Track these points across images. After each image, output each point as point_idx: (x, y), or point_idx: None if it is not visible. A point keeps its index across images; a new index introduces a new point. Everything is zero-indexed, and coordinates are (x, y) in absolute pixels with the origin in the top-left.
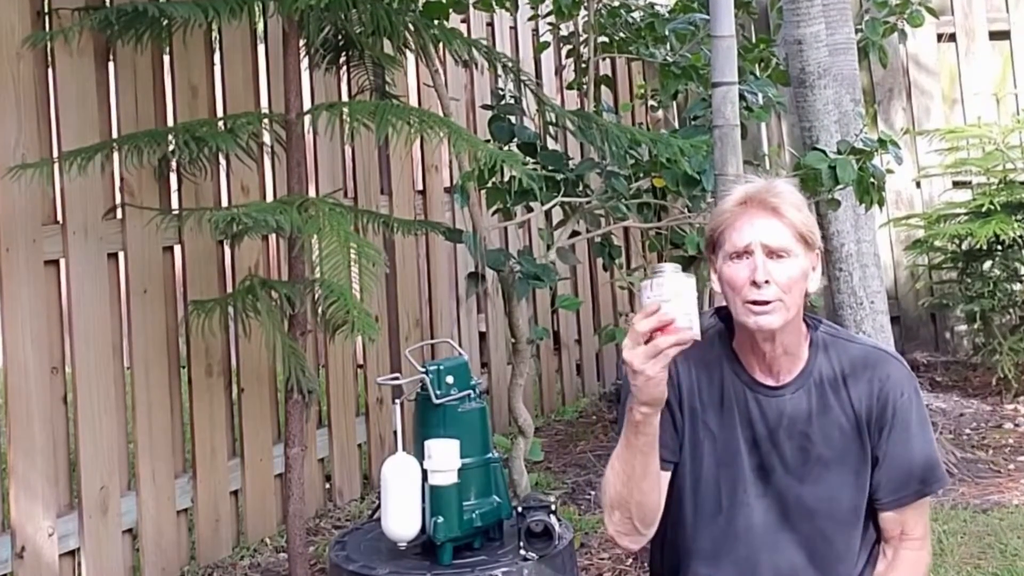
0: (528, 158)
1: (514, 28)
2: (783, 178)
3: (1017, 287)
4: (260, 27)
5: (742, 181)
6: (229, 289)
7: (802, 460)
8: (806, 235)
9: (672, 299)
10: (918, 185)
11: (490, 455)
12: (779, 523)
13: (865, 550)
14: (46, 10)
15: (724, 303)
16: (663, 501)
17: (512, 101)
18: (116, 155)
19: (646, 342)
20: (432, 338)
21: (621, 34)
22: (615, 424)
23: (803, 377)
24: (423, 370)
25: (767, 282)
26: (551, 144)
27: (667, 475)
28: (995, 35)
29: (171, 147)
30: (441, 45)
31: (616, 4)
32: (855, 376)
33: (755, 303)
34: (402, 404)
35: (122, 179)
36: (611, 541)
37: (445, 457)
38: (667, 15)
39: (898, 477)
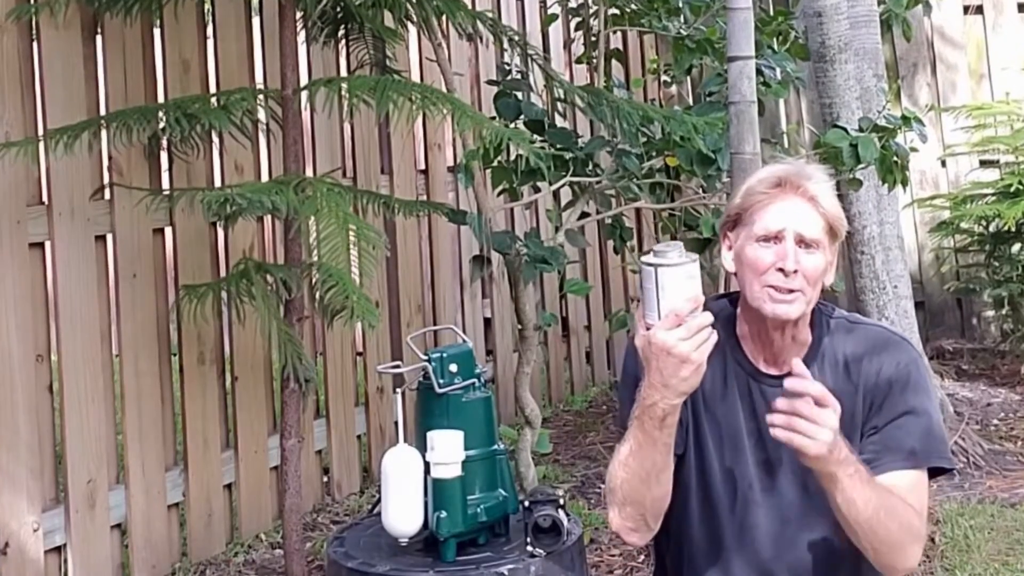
0: (535, 136)
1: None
2: (814, 163)
3: None
4: None
5: (759, 161)
6: (222, 273)
7: None
8: (836, 228)
9: (692, 279)
10: (943, 164)
11: (495, 447)
12: (788, 521)
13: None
14: None
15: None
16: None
17: (519, 76)
18: (104, 133)
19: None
20: (435, 324)
21: (633, 5)
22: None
23: (807, 362)
24: (425, 358)
25: (795, 271)
26: (559, 121)
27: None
28: None
29: (162, 125)
30: (444, 17)
31: None
32: (858, 361)
33: (777, 289)
34: (403, 393)
35: (110, 158)
36: (616, 535)
37: (448, 449)
38: None
39: (893, 440)
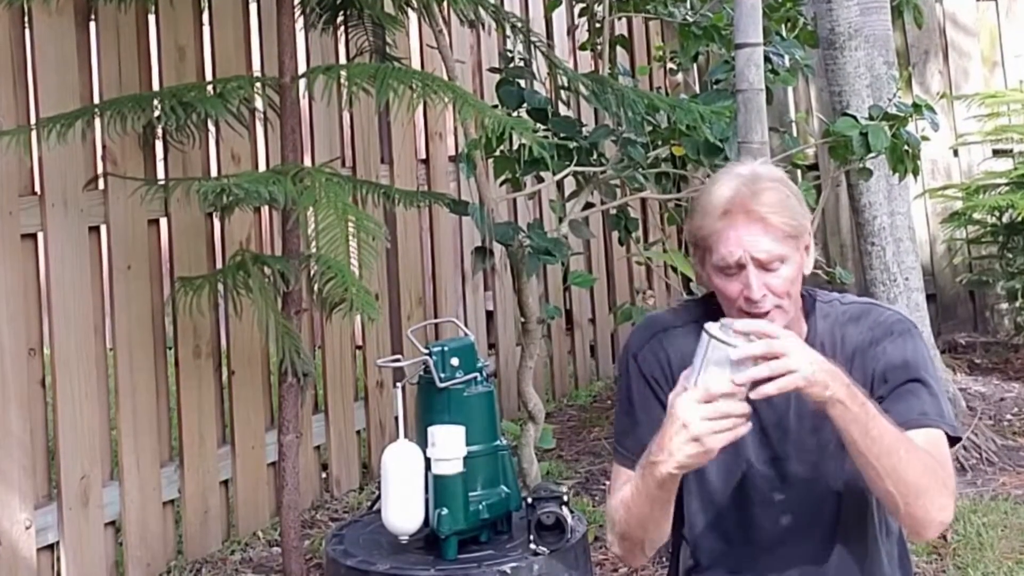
0: (539, 125)
1: None
2: (762, 162)
3: None
4: None
5: (767, 150)
6: (219, 265)
7: (816, 442)
8: (795, 232)
9: (741, 367)
10: (956, 153)
11: (498, 442)
12: (803, 518)
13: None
14: None
15: None
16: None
17: (521, 64)
18: (98, 122)
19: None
20: (436, 317)
21: None
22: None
23: None
24: (426, 351)
25: (763, 295)
26: (563, 110)
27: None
28: None
29: (157, 113)
30: (445, 3)
31: None
32: (851, 336)
33: (751, 312)
34: (404, 388)
35: (104, 147)
36: (616, 559)
37: (450, 445)
38: None
39: (900, 406)
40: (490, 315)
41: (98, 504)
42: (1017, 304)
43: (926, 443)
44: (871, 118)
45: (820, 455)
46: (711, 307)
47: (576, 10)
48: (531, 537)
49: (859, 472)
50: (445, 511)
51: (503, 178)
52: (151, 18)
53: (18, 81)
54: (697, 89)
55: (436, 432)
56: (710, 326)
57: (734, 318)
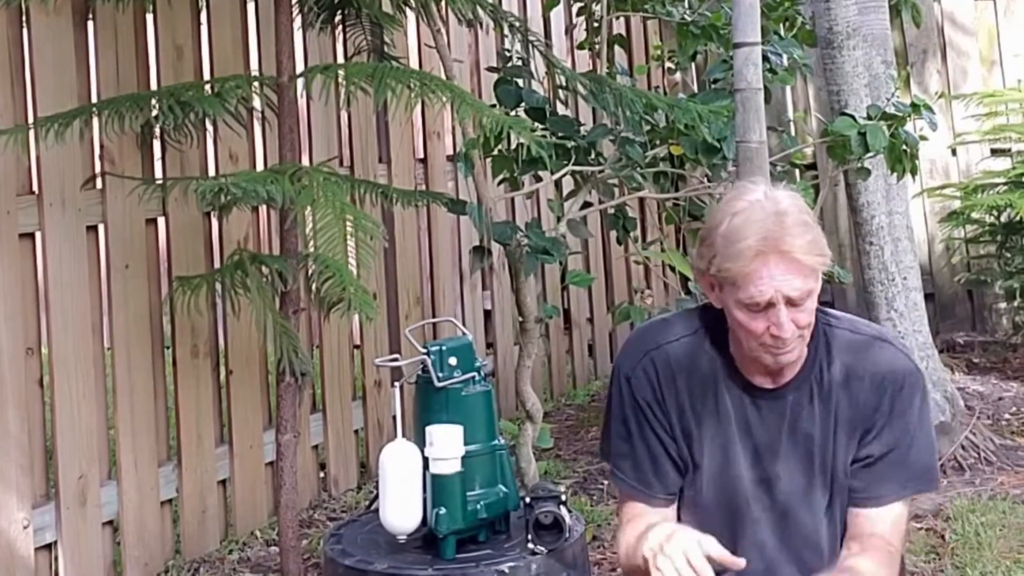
0: (536, 124)
1: None
2: (784, 188)
3: None
4: None
5: (765, 149)
6: (216, 264)
7: (806, 467)
8: (820, 265)
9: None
10: (954, 153)
11: (496, 442)
12: (790, 538)
13: None
14: None
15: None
16: None
17: (519, 63)
18: (96, 121)
19: None
20: (434, 316)
21: None
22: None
23: (804, 374)
24: (424, 351)
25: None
26: (561, 109)
27: (673, 506)
28: None
29: (154, 112)
30: (443, 2)
31: None
32: (856, 369)
33: (775, 347)
34: (402, 387)
35: (102, 147)
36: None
37: (448, 444)
38: None
39: (887, 472)
40: (488, 314)
41: (96, 504)
42: (1015, 303)
43: (894, 520)
44: (869, 117)
45: (807, 483)
46: (708, 318)
47: (574, 9)
48: (529, 536)
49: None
50: (443, 510)
51: (501, 177)
52: (149, 17)
53: (16, 80)
54: (695, 88)
55: (434, 432)
56: None
57: (753, 350)
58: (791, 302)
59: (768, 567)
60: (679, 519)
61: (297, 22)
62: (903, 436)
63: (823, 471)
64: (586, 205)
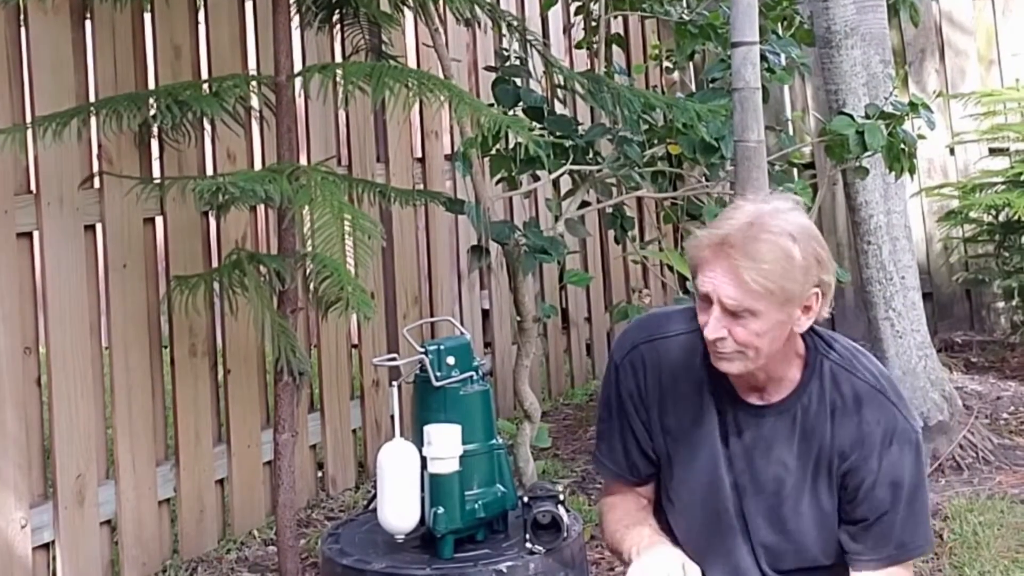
0: (535, 123)
1: None
2: (784, 198)
3: None
4: None
5: (763, 149)
6: (214, 263)
7: (775, 488)
8: (777, 293)
9: None
10: (952, 152)
11: (494, 441)
12: (765, 547)
13: None
14: None
15: None
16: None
17: (517, 62)
18: (94, 120)
19: None
20: (432, 316)
21: None
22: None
23: (790, 401)
24: (422, 350)
25: (722, 338)
26: (559, 108)
27: (651, 485)
28: None
29: (152, 112)
30: (441, 2)
31: None
32: (847, 412)
33: (715, 347)
34: (400, 387)
35: (100, 146)
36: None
37: (446, 443)
38: None
39: (878, 537)
40: (486, 314)
41: (93, 503)
42: (1013, 302)
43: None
44: (867, 117)
45: (775, 503)
46: None
47: (572, 9)
48: (527, 536)
49: (807, 529)
50: (441, 510)
51: (499, 177)
52: (147, 17)
53: (14, 80)
54: (693, 87)
55: (432, 431)
56: None
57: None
58: (727, 310)
59: (758, 565)
60: (662, 519)
61: (295, 21)
62: (896, 498)
63: (792, 501)
64: (584, 204)
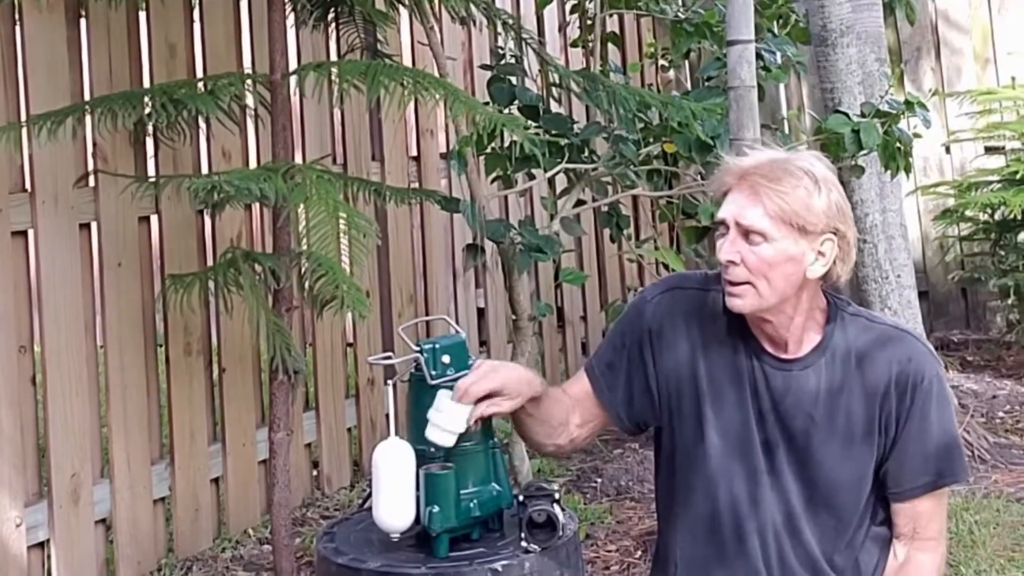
0: (530, 122)
1: None
2: (807, 150)
3: None
4: None
5: (758, 146)
6: (209, 262)
7: (806, 441)
8: (793, 219)
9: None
10: (948, 150)
11: (489, 440)
12: (792, 507)
13: (876, 544)
14: None
15: None
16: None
17: (513, 61)
18: (88, 119)
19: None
20: (427, 314)
21: None
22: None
23: (816, 354)
24: (417, 349)
25: (734, 262)
26: (554, 107)
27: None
28: None
29: (147, 110)
30: (436, 0)
31: None
32: (872, 356)
33: (729, 282)
34: (395, 385)
35: (95, 144)
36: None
37: (453, 418)
38: None
39: (913, 466)
40: (481, 312)
41: (88, 502)
42: (1009, 301)
43: (931, 510)
44: (863, 115)
45: (806, 456)
46: None
47: (567, 7)
48: (522, 535)
49: (843, 477)
50: (436, 509)
51: (494, 175)
52: (142, 15)
53: (8, 78)
54: (689, 86)
55: (445, 399)
56: None
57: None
58: (742, 229)
59: (772, 533)
60: (680, 476)
61: (290, 20)
62: (928, 428)
63: (824, 450)
64: (579, 203)
